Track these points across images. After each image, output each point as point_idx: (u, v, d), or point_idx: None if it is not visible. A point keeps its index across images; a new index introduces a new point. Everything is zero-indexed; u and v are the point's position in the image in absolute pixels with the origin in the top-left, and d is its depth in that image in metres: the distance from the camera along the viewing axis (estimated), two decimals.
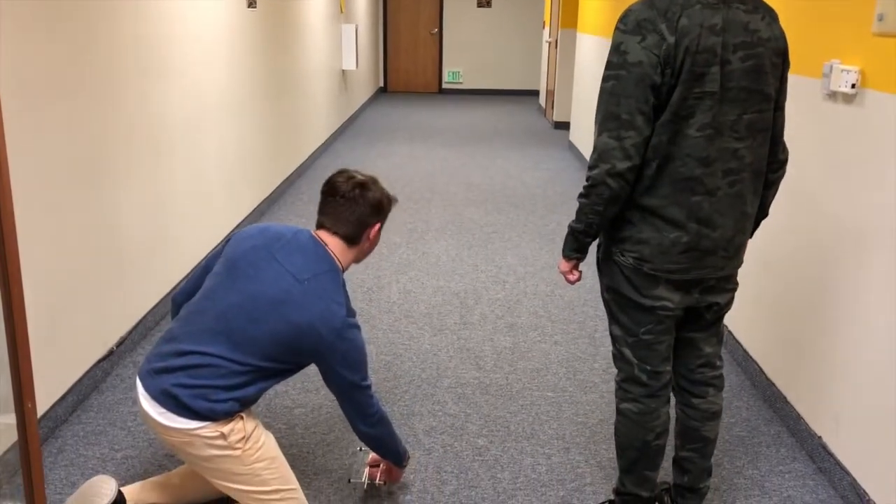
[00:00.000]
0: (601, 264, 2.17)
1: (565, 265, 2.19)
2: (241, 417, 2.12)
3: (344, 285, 2.18)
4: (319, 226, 2.25)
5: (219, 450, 2.08)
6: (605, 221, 2.03)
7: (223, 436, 2.06)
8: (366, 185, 2.23)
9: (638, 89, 1.88)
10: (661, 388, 2.17)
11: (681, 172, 1.94)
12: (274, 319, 2.06)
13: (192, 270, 2.41)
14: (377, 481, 2.45)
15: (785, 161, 2.14)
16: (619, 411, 2.23)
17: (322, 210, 2.24)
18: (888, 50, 2.38)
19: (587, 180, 1.99)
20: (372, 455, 2.48)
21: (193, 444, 2.07)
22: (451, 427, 2.93)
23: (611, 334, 2.23)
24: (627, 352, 2.16)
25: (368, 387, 2.18)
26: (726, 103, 1.92)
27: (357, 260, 2.30)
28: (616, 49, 1.92)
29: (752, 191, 2.05)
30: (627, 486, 2.23)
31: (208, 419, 2.05)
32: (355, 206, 2.20)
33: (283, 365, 2.12)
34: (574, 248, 2.13)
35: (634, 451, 2.20)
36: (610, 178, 1.94)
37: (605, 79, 1.95)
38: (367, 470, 2.49)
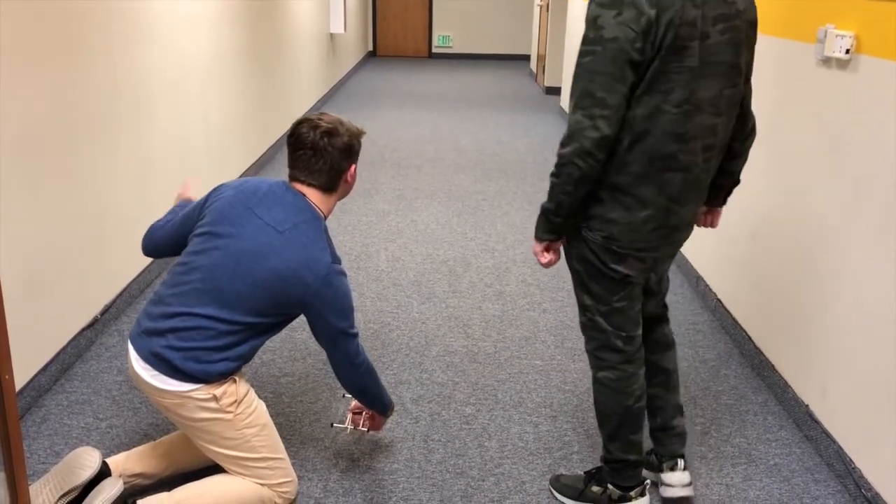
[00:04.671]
0: (573, 239, 2.13)
1: (537, 246, 2.12)
2: (234, 381, 2.12)
3: (326, 232, 2.16)
4: (293, 178, 2.21)
5: (210, 412, 2.07)
6: (576, 201, 1.97)
7: (215, 398, 2.06)
8: (332, 132, 2.15)
9: (614, 66, 1.82)
10: (636, 352, 2.19)
11: (656, 149, 1.90)
12: (259, 273, 2.04)
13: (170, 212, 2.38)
14: (360, 428, 2.45)
15: (753, 128, 2.15)
16: (596, 380, 2.22)
17: (292, 163, 2.19)
18: (883, 15, 2.34)
19: (558, 158, 1.94)
20: (355, 402, 2.48)
21: (185, 406, 2.06)
22: (438, 395, 2.92)
23: (580, 304, 2.20)
24: (600, 320, 2.15)
25: (356, 334, 2.18)
26: (705, 78, 1.88)
27: (339, 200, 2.28)
28: (592, 23, 1.85)
29: (717, 165, 2.07)
30: (614, 452, 2.23)
31: (201, 381, 2.04)
32: (326, 156, 2.14)
33: (272, 319, 2.11)
34: (546, 230, 2.06)
35: (616, 417, 2.20)
36: (579, 158, 1.89)
37: (581, 54, 1.88)
38: (349, 416, 2.48)
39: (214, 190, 2.23)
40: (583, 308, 2.20)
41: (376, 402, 2.35)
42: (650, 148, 1.90)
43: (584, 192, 1.97)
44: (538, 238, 2.10)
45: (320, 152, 2.14)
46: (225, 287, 2.05)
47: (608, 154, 1.93)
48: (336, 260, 2.13)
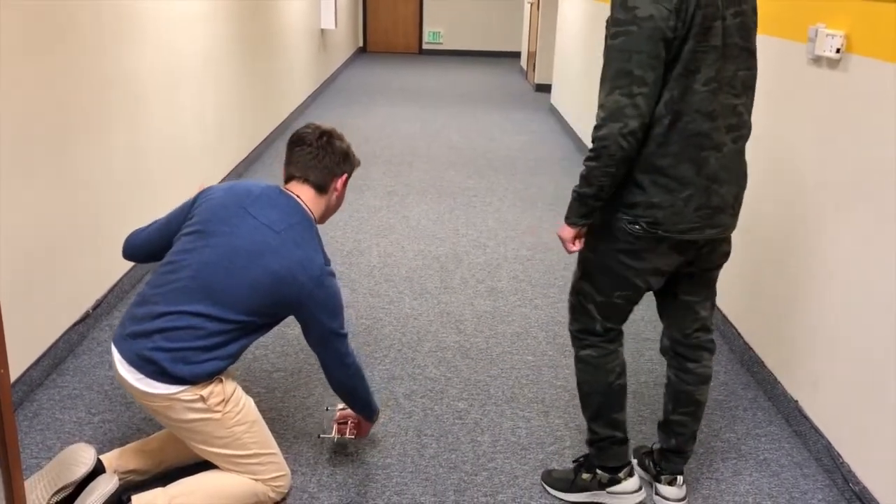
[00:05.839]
0: (598, 228, 2.10)
1: (569, 232, 2.08)
2: (221, 380, 2.11)
3: (318, 234, 2.20)
4: (288, 178, 2.27)
5: (199, 413, 2.07)
6: (617, 182, 1.96)
7: (202, 399, 2.05)
8: (332, 134, 2.28)
9: (650, 44, 1.84)
10: (618, 335, 2.22)
11: (690, 129, 1.92)
12: (254, 271, 2.06)
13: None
14: (346, 436, 2.47)
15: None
16: (578, 359, 2.24)
17: (290, 161, 2.27)
18: (874, 14, 2.36)
19: (595, 141, 1.91)
20: (339, 412, 2.50)
21: (173, 409, 2.05)
22: (431, 391, 2.93)
23: (576, 287, 2.20)
24: (592, 308, 2.17)
25: (346, 335, 2.21)
26: (725, 59, 1.92)
27: (325, 216, 2.31)
28: (622, 5, 1.87)
29: (744, 149, 2.07)
30: (599, 431, 2.25)
31: (189, 383, 2.04)
32: (323, 154, 2.24)
33: (263, 318, 2.12)
34: (582, 215, 2.03)
35: (598, 396, 2.22)
36: (622, 138, 1.87)
37: (613, 36, 1.88)
38: (335, 426, 2.50)
39: (203, 192, 2.24)
40: (577, 291, 2.19)
41: (365, 407, 2.37)
42: (685, 127, 1.92)
43: (623, 173, 1.95)
44: (572, 224, 2.07)
45: (320, 149, 2.23)
46: (216, 285, 2.05)
47: (646, 134, 1.93)
48: (327, 261, 2.17)
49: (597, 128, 1.92)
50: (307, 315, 2.13)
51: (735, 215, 2.08)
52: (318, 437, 2.59)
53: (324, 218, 2.31)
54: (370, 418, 2.42)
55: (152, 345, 2.03)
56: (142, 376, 2.03)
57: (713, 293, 2.24)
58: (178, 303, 2.05)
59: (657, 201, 1.97)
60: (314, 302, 2.11)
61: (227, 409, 2.11)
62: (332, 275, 2.16)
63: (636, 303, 2.17)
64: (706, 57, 1.88)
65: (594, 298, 2.16)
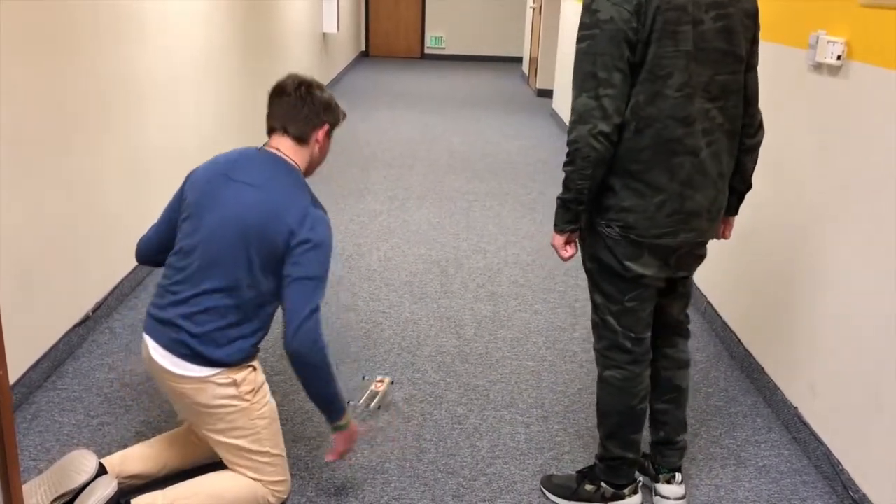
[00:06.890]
0: (584, 233, 2.14)
1: (559, 239, 2.10)
2: (254, 368, 2.15)
3: (305, 183, 2.17)
4: (270, 130, 2.24)
5: (228, 399, 2.09)
6: (595, 185, 1.98)
7: (235, 384, 2.09)
8: (312, 84, 2.22)
9: (612, 46, 1.86)
10: (644, 354, 2.19)
11: (662, 135, 1.93)
12: (243, 228, 2.06)
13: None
14: (374, 404, 2.60)
15: (761, 124, 2.15)
16: (602, 379, 2.23)
17: (270, 112, 2.22)
18: (875, 22, 2.37)
19: (569, 145, 1.95)
20: (375, 383, 2.63)
21: (204, 392, 2.07)
22: (430, 395, 2.93)
23: (593, 302, 2.21)
24: (611, 320, 2.16)
25: (322, 292, 2.08)
26: (699, 63, 1.92)
27: (310, 168, 2.27)
28: (587, 9, 1.91)
29: (727, 151, 2.06)
30: (612, 450, 2.24)
31: (223, 365, 2.07)
32: (302, 104, 2.19)
33: (269, 279, 2.08)
34: (567, 220, 2.05)
35: (618, 416, 2.21)
36: (593, 139, 1.90)
37: (579, 40, 1.93)
38: (367, 392, 2.60)
39: (188, 176, 2.25)
40: (594, 307, 2.21)
41: (327, 400, 2.13)
42: (657, 133, 1.93)
43: (601, 175, 1.97)
44: (560, 230, 2.08)
45: (299, 99, 2.18)
46: (220, 258, 2.06)
47: (618, 136, 1.95)
48: (317, 204, 2.13)
49: (569, 132, 1.95)
50: (291, 259, 2.05)
51: (712, 219, 2.08)
52: (348, 402, 2.63)
53: (309, 170, 2.27)
54: (330, 416, 2.17)
55: (182, 331, 2.06)
56: (178, 360, 2.06)
57: (689, 293, 2.28)
58: (194, 286, 2.08)
59: (628, 205, 1.99)
60: (297, 239, 2.04)
61: (256, 399, 2.14)
62: (323, 217, 2.09)
63: (651, 302, 2.16)
64: (675, 62, 1.88)
65: (609, 309, 2.15)
